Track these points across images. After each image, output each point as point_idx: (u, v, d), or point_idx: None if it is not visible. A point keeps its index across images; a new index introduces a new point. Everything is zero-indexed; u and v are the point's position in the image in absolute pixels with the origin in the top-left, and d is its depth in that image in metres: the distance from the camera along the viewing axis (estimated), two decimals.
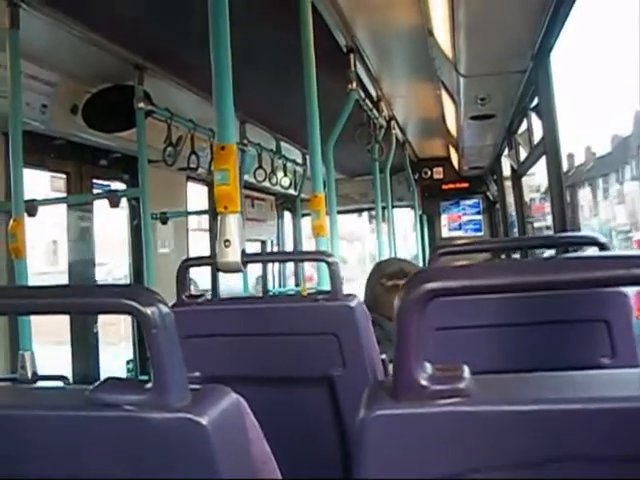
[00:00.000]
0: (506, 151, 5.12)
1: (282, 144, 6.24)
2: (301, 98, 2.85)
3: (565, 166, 3.63)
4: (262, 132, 5.72)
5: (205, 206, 6.04)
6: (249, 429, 0.88)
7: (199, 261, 2.04)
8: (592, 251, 1.80)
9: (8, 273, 3.45)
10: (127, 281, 5.08)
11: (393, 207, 6.42)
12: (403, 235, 10.95)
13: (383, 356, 1.89)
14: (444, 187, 8.30)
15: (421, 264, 7.28)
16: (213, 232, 5.92)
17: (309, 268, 8.29)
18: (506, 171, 5.73)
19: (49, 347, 3.21)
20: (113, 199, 4.08)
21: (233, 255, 1.86)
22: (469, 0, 2.32)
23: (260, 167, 5.82)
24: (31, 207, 3.50)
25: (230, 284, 6.45)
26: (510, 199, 5.74)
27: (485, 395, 0.72)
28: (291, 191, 7.11)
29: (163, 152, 4.18)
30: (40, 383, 3.01)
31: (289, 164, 6.63)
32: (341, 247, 4.05)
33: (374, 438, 0.72)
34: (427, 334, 0.72)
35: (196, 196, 5.94)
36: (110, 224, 4.84)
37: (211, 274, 5.87)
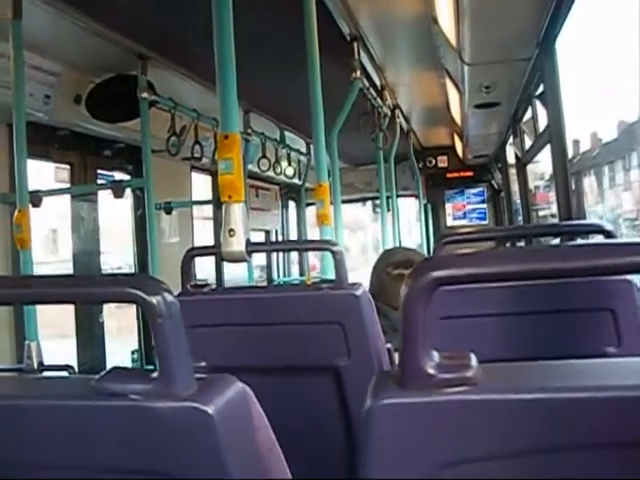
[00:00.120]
0: (511, 139, 5.10)
1: (286, 133, 6.23)
2: (305, 87, 2.84)
3: (570, 152, 3.62)
4: (266, 121, 5.71)
5: (208, 196, 6.04)
6: (254, 418, 0.88)
7: (204, 251, 2.04)
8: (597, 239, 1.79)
9: (13, 263, 3.46)
10: (126, 269, 5.09)
11: (397, 196, 6.40)
12: (407, 224, 10.92)
13: (388, 345, 1.88)
14: (448, 176, 8.28)
15: (425, 253, 7.28)
16: (218, 222, 5.92)
17: (312, 257, 8.29)
18: (510, 159, 5.71)
19: (50, 340, 3.20)
20: (117, 189, 4.10)
21: (238, 244, 1.85)
22: None
23: (264, 156, 5.81)
24: (35, 198, 3.51)
25: (233, 273, 6.46)
26: (515, 187, 5.73)
27: (493, 383, 0.72)
28: (295, 180, 7.10)
29: (167, 142, 4.18)
30: (46, 373, 3.02)
31: (293, 153, 6.62)
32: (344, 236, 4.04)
33: (381, 427, 0.72)
34: (432, 323, 0.72)
35: (200, 186, 5.94)
36: (109, 214, 4.83)
37: (215, 264, 5.87)
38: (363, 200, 9.94)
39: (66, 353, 4.09)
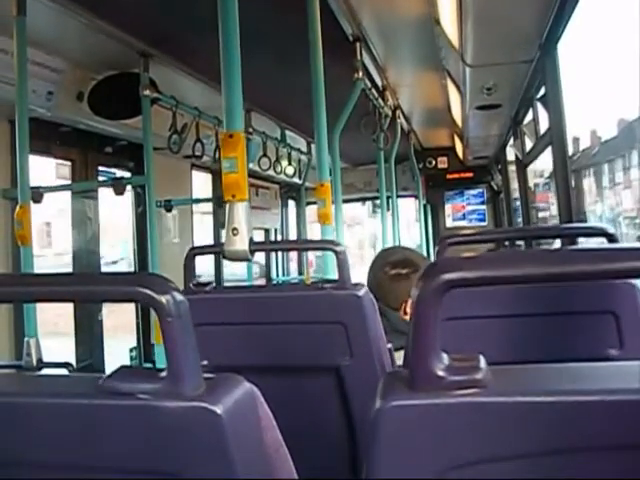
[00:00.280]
0: (511, 141, 5.10)
1: (287, 132, 6.23)
2: (307, 87, 2.84)
3: (570, 150, 3.63)
4: (267, 120, 5.71)
5: (207, 194, 6.04)
6: (262, 418, 0.88)
7: (207, 249, 2.04)
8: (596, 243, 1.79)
9: (13, 259, 3.46)
10: (121, 264, 5.09)
11: (397, 197, 6.41)
12: (406, 224, 10.93)
13: (389, 345, 1.89)
14: (448, 177, 8.28)
15: (425, 253, 7.28)
16: (218, 220, 5.92)
17: (309, 255, 8.29)
18: (510, 161, 5.72)
19: (45, 339, 3.20)
20: (118, 186, 4.09)
21: (241, 243, 1.86)
22: None
23: (265, 155, 5.81)
24: (37, 194, 3.51)
25: (229, 271, 6.44)
26: (514, 188, 5.73)
27: (502, 386, 0.72)
28: (295, 180, 7.10)
29: (168, 140, 4.18)
30: (45, 370, 3.02)
31: (293, 153, 6.62)
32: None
33: (390, 428, 0.72)
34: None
35: (200, 184, 5.94)
36: (106, 211, 4.83)
37: (215, 262, 5.87)
38: (363, 200, 9.94)
39: (60, 351, 4.09)
